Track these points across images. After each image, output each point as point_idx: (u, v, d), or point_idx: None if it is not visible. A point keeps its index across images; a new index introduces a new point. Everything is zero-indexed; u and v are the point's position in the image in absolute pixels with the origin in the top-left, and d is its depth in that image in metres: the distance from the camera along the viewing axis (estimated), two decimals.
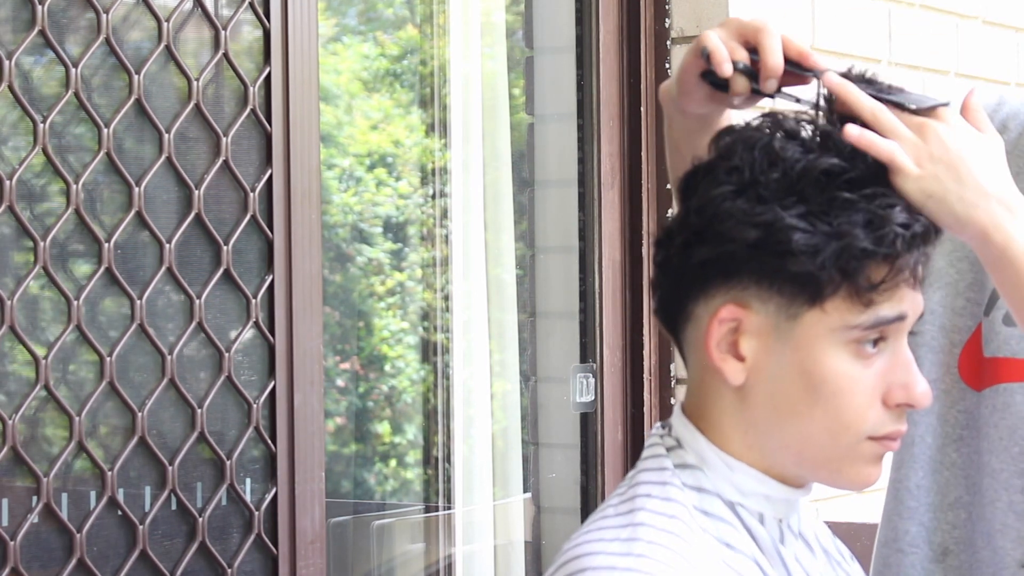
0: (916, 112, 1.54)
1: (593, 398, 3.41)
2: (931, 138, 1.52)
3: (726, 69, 1.57)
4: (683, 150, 1.71)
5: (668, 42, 3.41)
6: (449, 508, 3.80)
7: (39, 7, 2.44)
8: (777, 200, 1.44)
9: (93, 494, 2.52)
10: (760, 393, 1.47)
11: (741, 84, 1.58)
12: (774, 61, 1.56)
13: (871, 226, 1.44)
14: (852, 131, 1.50)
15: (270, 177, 2.72)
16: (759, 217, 1.44)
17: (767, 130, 1.49)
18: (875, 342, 1.46)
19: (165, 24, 2.60)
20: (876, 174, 1.48)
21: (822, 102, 1.53)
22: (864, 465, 1.48)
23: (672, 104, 1.69)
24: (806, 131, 1.49)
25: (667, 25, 3.41)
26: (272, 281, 2.72)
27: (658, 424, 1.57)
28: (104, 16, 2.52)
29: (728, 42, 1.59)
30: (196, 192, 2.63)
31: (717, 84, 1.62)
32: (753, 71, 1.58)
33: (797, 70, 1.57)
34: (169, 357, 2.59)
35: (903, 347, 1.49)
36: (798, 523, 1.54)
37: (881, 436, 1.47)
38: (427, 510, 4.03)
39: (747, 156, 1.47)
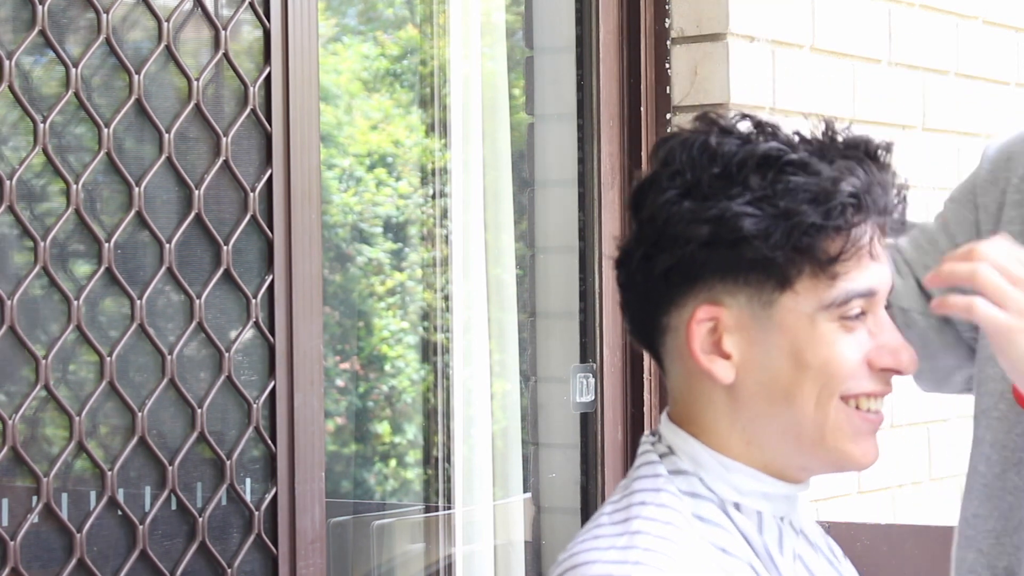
0: None
1: (593, 398, 3.41)
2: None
3: None
4: None
5: (668, 42, 3.41)
6: (449, 508, 3.79)
7: (39, 7, 2.44)
8: (722, 193, 1.46)
9: (93, 494, 2.52)
10: (752, 385, 1.48)
11: None
12: None
13: (817, 201, 1.45)
14: (959, 300, 1.54)
15: (270, 177, 2.72)
16: (707, 213, 1.45)
17: (702, 130, 1.50)
18: (856, 316, 1.48)
19: (165, 24, 2.60)
20: (819, 154, 1.48)
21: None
22: (856, 440, 1.49)
23: None
24: (742, 125, 1.50)
25: (667, 25, 3.41)
26: (272, 281, 2.72)
27: (647, 433, 1.57)
28: (104, 16, 2.52)
29: None
30: (196, 192, 2.63)
31: None
32: None
33: None
34: (169, 357, 2.59)
35: (884, 315, 1.50)
36: (799, 520, 1.55)
37: (854, 395, 1.48)
38: (427, 510, 4.03)
39: (686, 158, 1.48)
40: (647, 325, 1.53)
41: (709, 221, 1.45)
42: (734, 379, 1.47)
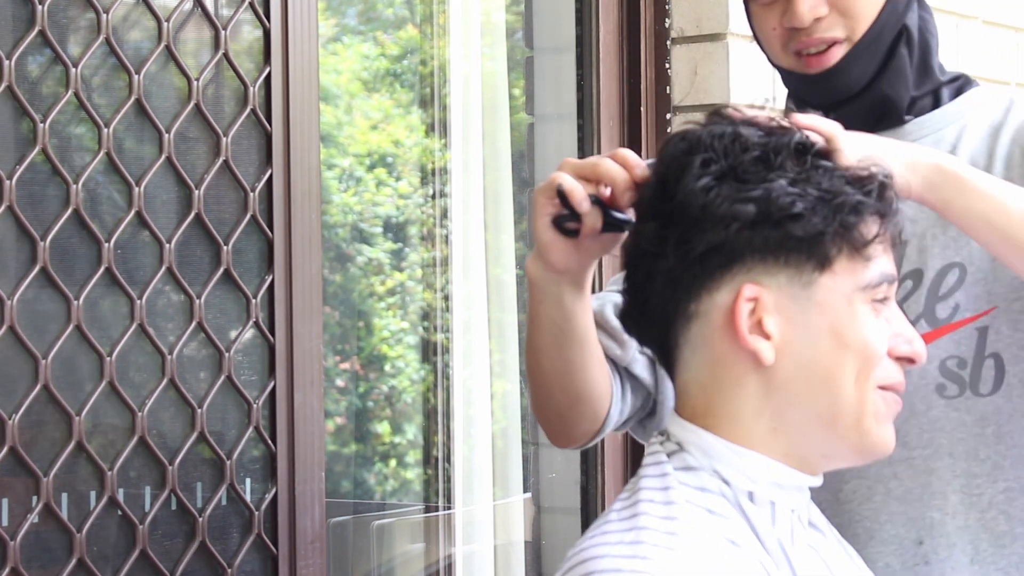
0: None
1: None
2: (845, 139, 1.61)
3: (584, 206, 1.61)
4: (559, 322, 1.73)
5: (668, 42, 3.41)
6: (449, 508, 3.80)
7: (39, 7, 2.44)
8: (761, 177, 1.48)
9: (93, 494, 2.52)
10: (789, 367, 1.49)
11: (593, 218, 1.62)
12: (620, 178, 1.60)
13: (854, 184, 1.50)
14: (802, 117, 1.58)
15: (270, 177, 2.72)
16: (751, 193, 1.47)
17: (722, 122, 1.53)
18: (881, 300, 1.51)
19: (165, 24, 2.60)
20: None
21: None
22: (886, 425, 1.52)
23: (540, 272, 1.71)
24: (757, 120, 1.54)
25: (667, 25, 3.41)
26: (272, 281, 2.72)
27: (656, 434, 1.58)
28: (104, 16, 2.52)
29: (578, 181, 1.62)
30: (196, 192, 2.63)
31: (566, 231, 1.64)
32: (604, 203, 1.61)
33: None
34: (169, 357, 2.59)
35: (895, 305, 1.54)
36: (807, 513, 1.56)
37: (887, 385, 1.52)
38: (427, 510, 4.03)
39: (718, 145, 1.50)
40: (667, 317, 1.53)
41: (754, 200, 1.47)
42: (772, 361, 1.49)
